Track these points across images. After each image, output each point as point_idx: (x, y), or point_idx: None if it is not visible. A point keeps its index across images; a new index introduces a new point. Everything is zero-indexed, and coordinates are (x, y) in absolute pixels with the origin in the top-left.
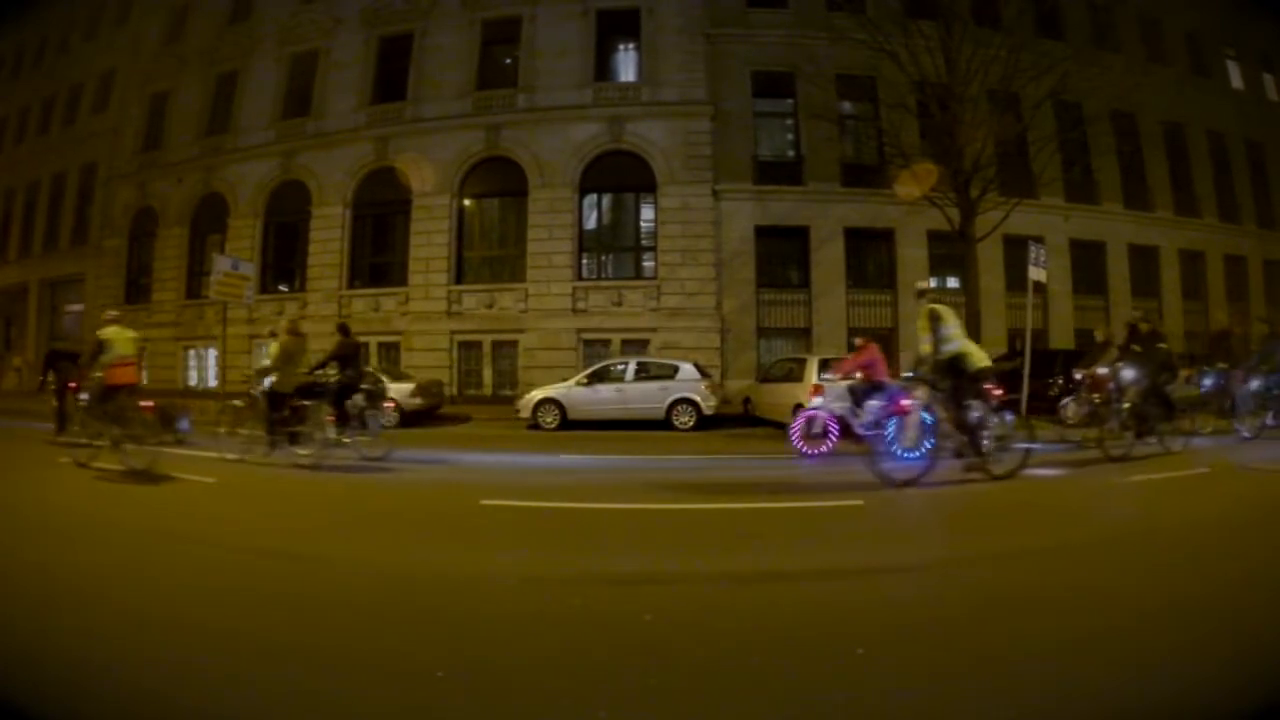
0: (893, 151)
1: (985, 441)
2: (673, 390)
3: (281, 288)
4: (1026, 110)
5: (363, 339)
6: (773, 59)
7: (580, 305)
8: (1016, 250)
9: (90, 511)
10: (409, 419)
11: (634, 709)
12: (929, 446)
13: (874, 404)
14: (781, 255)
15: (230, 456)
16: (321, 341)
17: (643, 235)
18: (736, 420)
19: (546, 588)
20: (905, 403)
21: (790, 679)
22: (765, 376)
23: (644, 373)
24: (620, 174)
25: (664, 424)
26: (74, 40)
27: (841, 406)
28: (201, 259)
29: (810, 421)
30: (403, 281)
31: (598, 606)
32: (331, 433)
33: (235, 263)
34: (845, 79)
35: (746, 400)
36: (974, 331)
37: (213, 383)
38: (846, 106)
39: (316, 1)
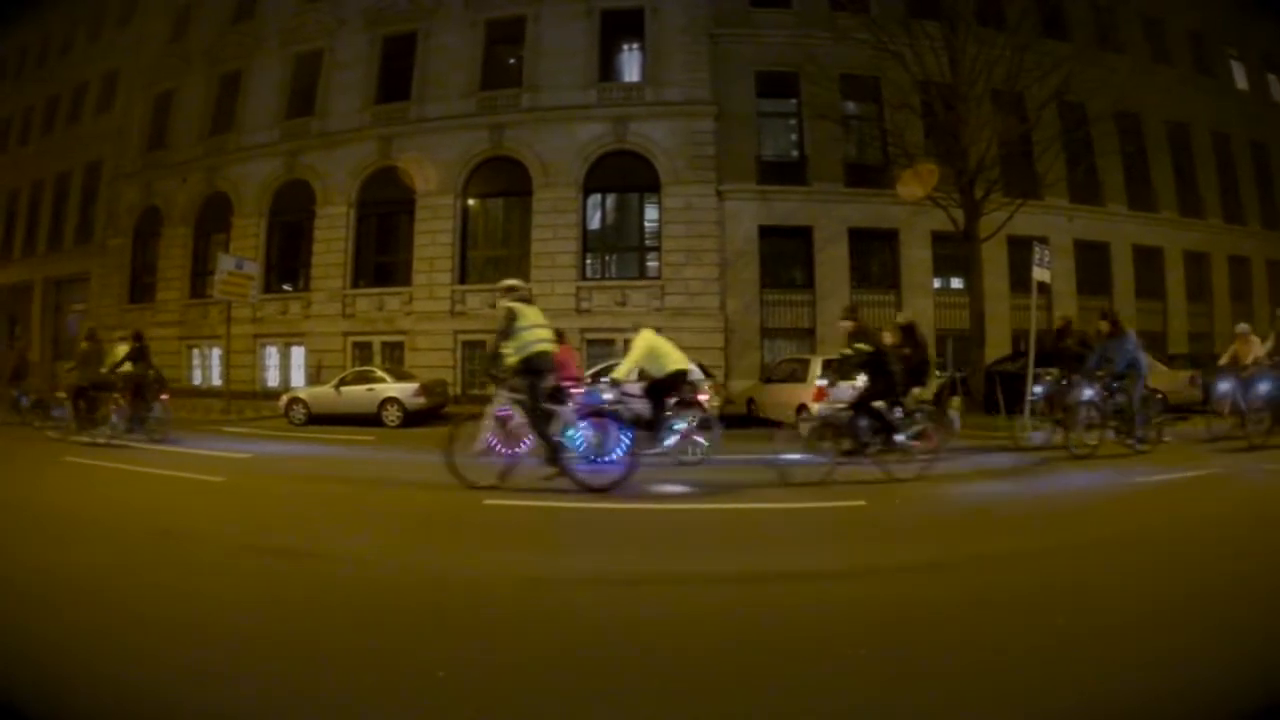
0: (897, 152)
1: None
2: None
3: (285, 287)
4: (1031, 110)
5: (367, 338)
6: (777, 59)
7: (584, 305)
8: (1021, 251)
9: (90, 511)
10: (412, 418)
11: (634, 709)
12: (624, 451)
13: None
14: (785, 255)
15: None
16: (327, 341)
17: (647, 235)
18: (740, 421)
19: (547, 587)
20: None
21: (790, 679)
22: (769, 377)
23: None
24: (624, 174)
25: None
26: (78, 41)
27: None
28: (206, 258)
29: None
30: (407, 281)
31: (598, 606)
32: (115, 419)
33: (240, 262)
34: (849, 79)
35: (750, 401)
36: (978, 332)
37: (217, 382)
38: (850, 106)
39: (320, 1)
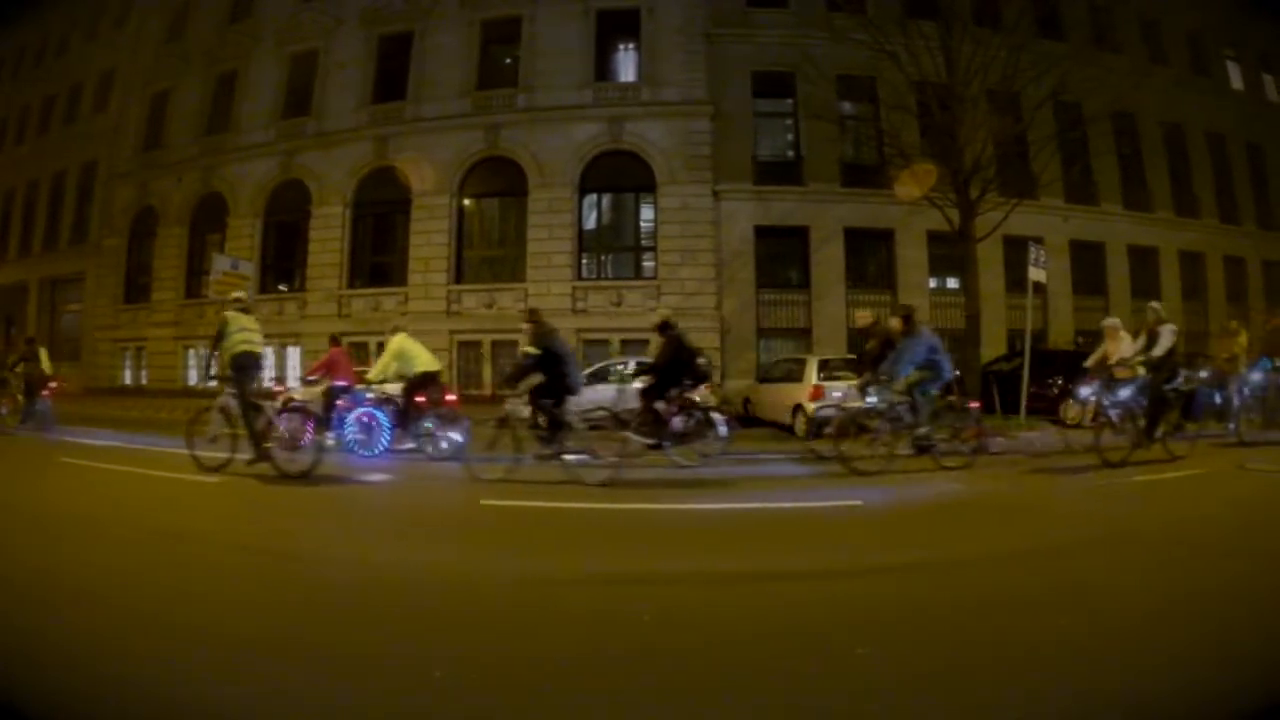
0: (892, 152)
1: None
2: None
3: (281, 287)
4: (1026, 110)
5: (361, 339)
6: (773, 59)
7: (580, 305)
8: (1016, 251)
9: (90, 511)
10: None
11: (633, 709)
12: (385, 445)
13: (341, 404)
14: (781, 255)
15: None
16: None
17: (642, 235)
18: (736, 421)
19: (546, 588)
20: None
21: (790, 679)
22: (765, 377)
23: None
24: (620, 174)
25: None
26: (74, 40)
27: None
28: (201, 258)
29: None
30: (402, 281)
31: (597, 606)
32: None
33: (235, 262)
34: (845, 79)
35: (746, 401)
36: (974, 332)
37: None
38: (846, 107)
39: (316, 1)
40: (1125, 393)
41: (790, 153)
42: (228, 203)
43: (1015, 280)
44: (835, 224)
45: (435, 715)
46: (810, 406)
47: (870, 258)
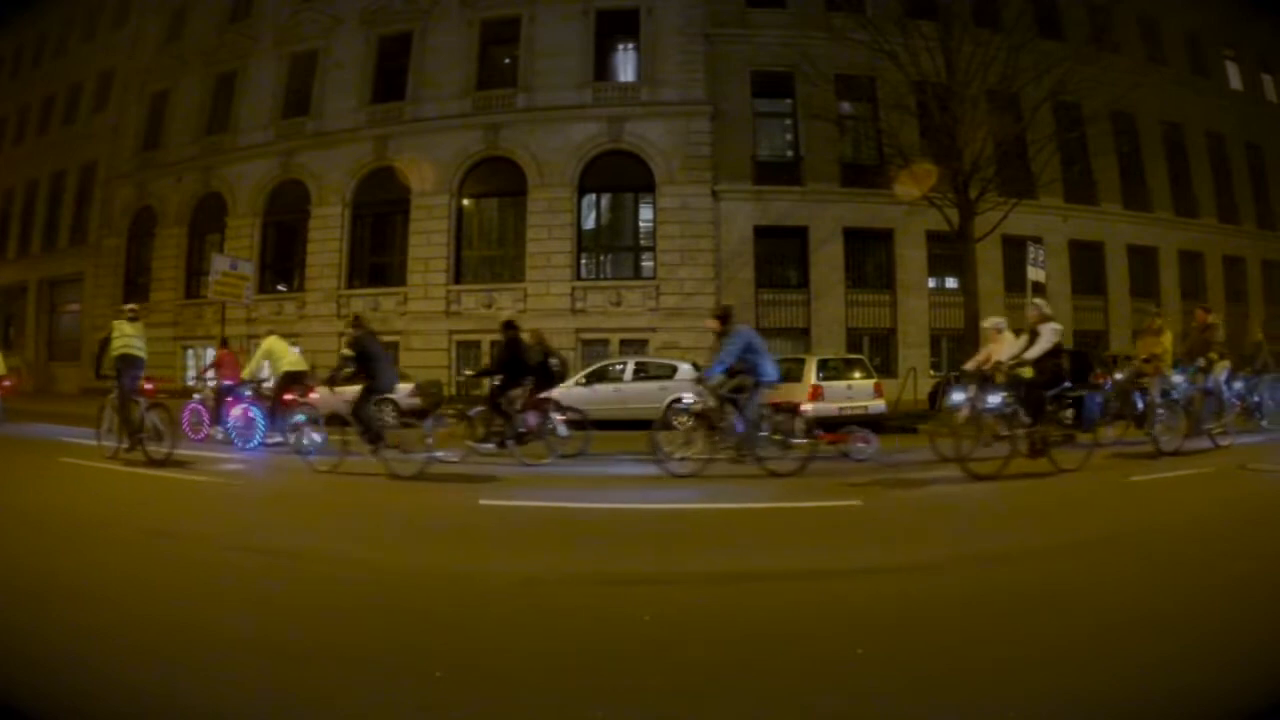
0: (892, 152)
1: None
2: (671, 390)
3: (280, 287)
4: (1026, 110)
5: None
6: (772, 59)
7: (579, 305)
8: (1015, 251)
9: (90, 511)
10: (407, 418)
11: (633, 709)
12: (260, 439)
13: (230, 401)
14: (780, 255)
15: None
16: (322, 341)
17: (642, 235)
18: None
19: (546, 588)
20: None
21: (790, 679)
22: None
23: (642, 373)
24: (619, 174)
25: (662, 424)
26: (73, 40)
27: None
28: (200, 258)
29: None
30: (402, 281)
31: (597, 606)
32: None
33: (234, 262)
34: (844, 79)
35: None
36: (973, 332)
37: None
38: (846, 106)
39: (316, 1)
40: (996, 398)
41: (789, 153)
42: (227, 203)
43: (1014, 280)
44: (834, 224)
45: (435, 715)
46: (810, 407)
47: (869, 258)
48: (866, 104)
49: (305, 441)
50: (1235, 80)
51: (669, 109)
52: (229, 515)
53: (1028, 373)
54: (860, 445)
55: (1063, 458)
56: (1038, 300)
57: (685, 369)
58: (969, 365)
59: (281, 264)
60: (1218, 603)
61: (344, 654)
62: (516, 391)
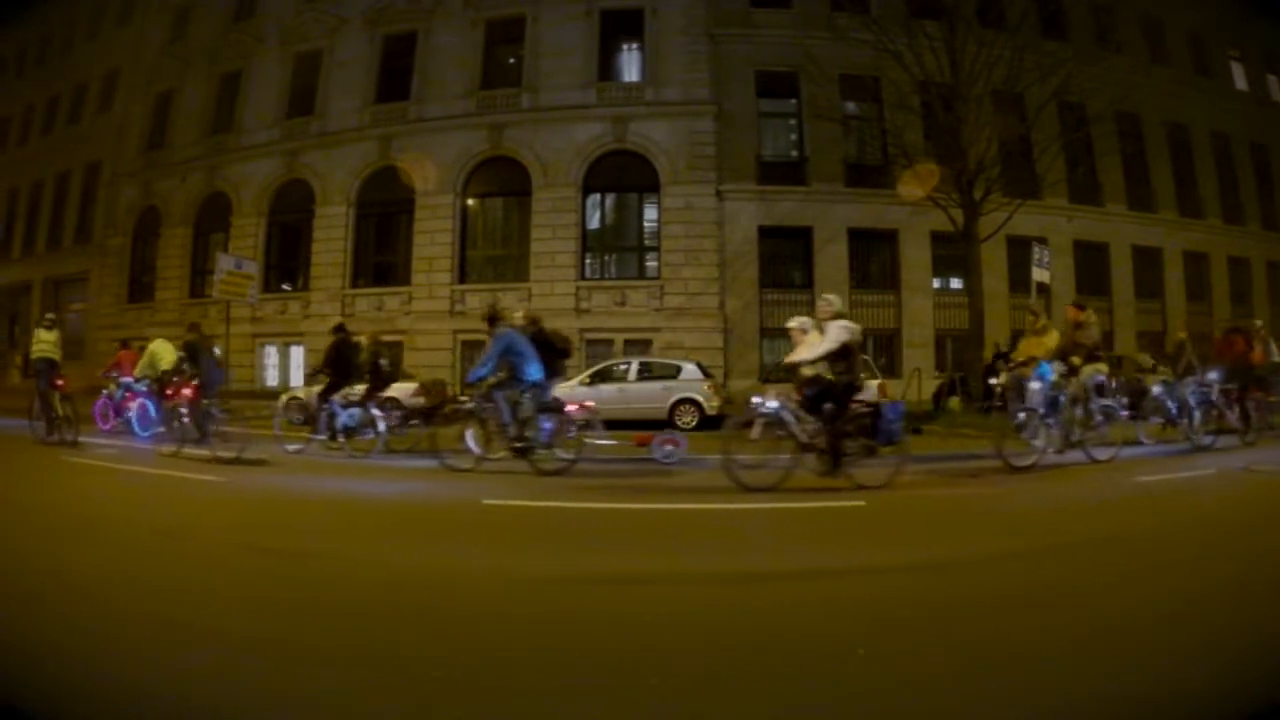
0: (896, 152)
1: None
2: (675, 390)
3: (285, 287)
4: (1030, 111)
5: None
6: (776, 59)
7: (583, 305)
8: (1020, 251)
9: (90, 511)
10: (411, 418)
11: (634, 709)
12: (151, 430)
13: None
14: (785, 255)
15: None
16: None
17: (646, 235)
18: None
19: (546, 587)
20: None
21: (790, 679)
22: (768, 377)
23: (647, 373)
24: (624, 174)
25: (666, 424)
26: (78, 40)
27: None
28: (205, 258)
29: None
30: (406, 281)
31: (598, 606)
32: None
33: (239, 262)
34: (849, 79)
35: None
36: (977, 332)
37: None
38: (850, 107)
39: (320, 1)
40: (773, 404)
41: (794, 153)
42: (231, 202)
43: (1019, 280)
44: (839, 224)
45: (435, 715)
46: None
47: (874, 258)
48: (871, 104)
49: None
50: (1240, 80)
51: (673, 109)
52: (227, 515)
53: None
54: (669, 449)
55: (865, 475)
56: (829, 296)
57: (689, 369)
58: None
59: (286, 263)
60: (1218, 603)
61: (344, 654)
62: (344, 389)
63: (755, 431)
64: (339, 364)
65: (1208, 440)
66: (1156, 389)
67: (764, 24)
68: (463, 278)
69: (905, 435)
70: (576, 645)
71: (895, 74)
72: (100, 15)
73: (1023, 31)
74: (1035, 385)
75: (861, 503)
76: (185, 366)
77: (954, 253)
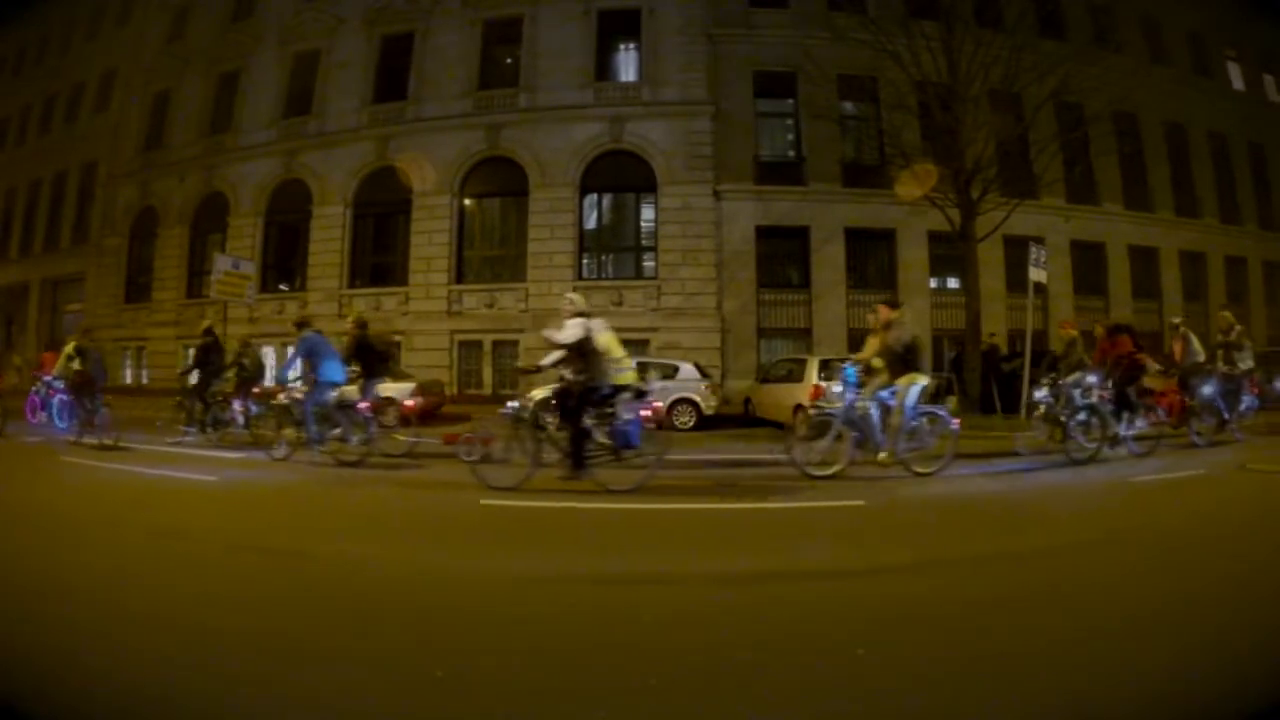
0: (894, 152)
1: None
2: (673, 390)
3: (282, 287)
4: (1028, 110)
5: None
6: (774, 59)
7: None
8: (1017, 251)
9: (90, 511)
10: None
11: (634, 709)
12: (68, 423)
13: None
14: (782, 255)
15: None
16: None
17: (643, 235)
18: (737, 421)
19: (546, 587)
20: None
21: (790, 679)
22: (766, 377)
23: (644, 373)
24: (621, 174)
25: (664, 424)
26: (75, 40)
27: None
28: (202, 258)
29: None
30: (403, 281)
31: (597, 606)
32: None
33: (236, 262)
34: (847, 79)
35: (747, 400)
36: (975, 332)
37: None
38: (848, 107)
39: (318, 1)
40: (515, 404)
41: (791, 153)
42: (229, 202)
43: (1016, 280)
44: (836, 224)
45: (435, 715)
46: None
47: (871, 258)
48: (869, 104)
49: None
50: (1237, 80)
51: (671, 109)
52: (226, 514)
53: (629, 377)
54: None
55: (613, 477)
56: (571, 295)
57: (687, 369)
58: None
59: (283, 263)
60: (1218, 603)
61: (344, 654)
62: (215, 385)
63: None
64: (207, 364)
65: (1092, 447)
66: (1039, 393)
67: (762, 24)
68: (460, 278)
69: (655, 439)
70: (577, 645)
71: (893, 74)
72: (99, 15)
73: (1020, 31)
74: (835, 391)
75: (860, 503)
76: (75, 365)
77: (951, 252)
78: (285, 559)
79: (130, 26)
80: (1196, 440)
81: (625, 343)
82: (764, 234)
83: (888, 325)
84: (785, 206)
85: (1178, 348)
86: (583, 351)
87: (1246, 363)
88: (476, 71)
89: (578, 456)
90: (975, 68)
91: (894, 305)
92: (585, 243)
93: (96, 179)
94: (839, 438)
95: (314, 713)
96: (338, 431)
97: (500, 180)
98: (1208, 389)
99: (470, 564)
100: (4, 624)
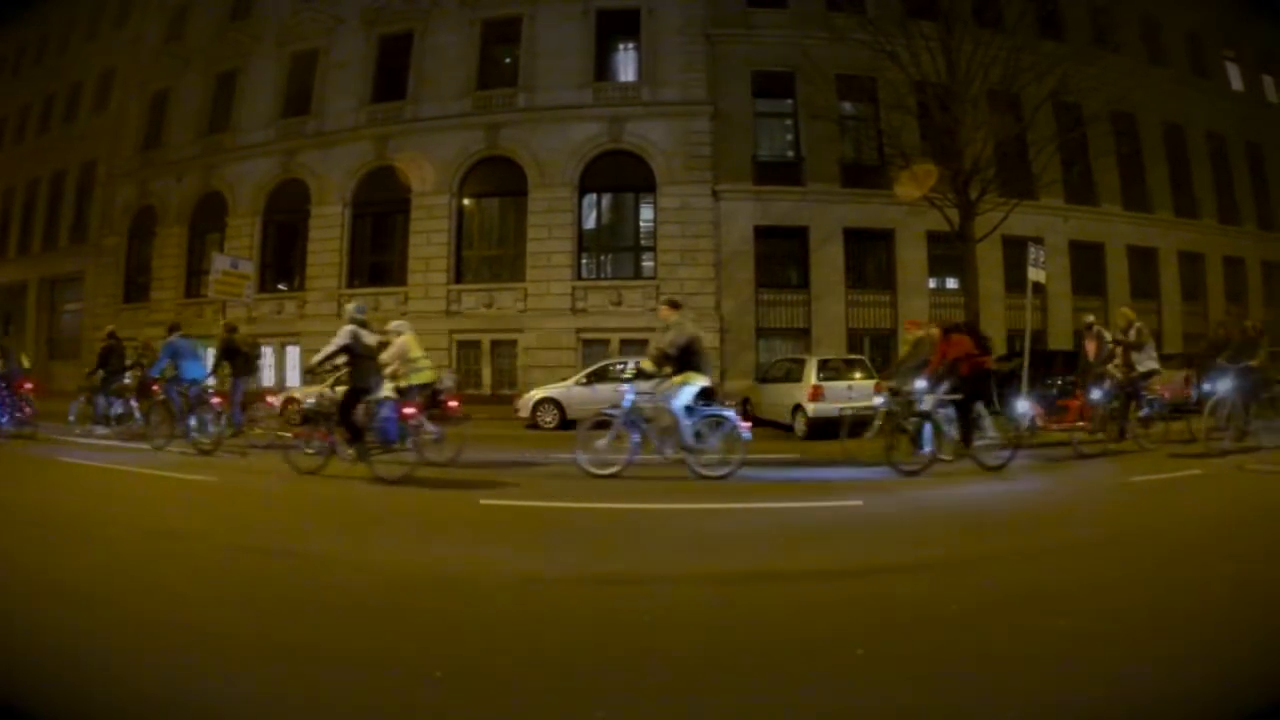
0: (893, 152)
1: None
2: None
3: (281, 286)
4: (1027, 111)
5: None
6: (773, 59)
7: (579, 305)
8: (1016, 251)
9: (90, 511)
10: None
11: (634, 709)
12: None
13: None
14: (781, 256)
15: None
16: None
17: (642, 235)
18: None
19: (546, 588)
20: None
21: (790, 679)
22: (764, 377)
23: (643, 373)
24: (620, 174)
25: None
26: (74, 39)
27: None
28: (201, 258)
29: None
30: (402, 281)
31: (597, 606)
32: None
33: (234, 261)
34: (845, 79)
35: (746, 400)
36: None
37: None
38: (847, 107)
39: (316, 0)
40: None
41: (790, 153)
42: (227, 202)
43: (1015, 280)
44: (835, 224)
45: (435, 715)
46: (810, 407)
47: (870, 258)
48: (868, 104)
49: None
50: (1236, 81)
51: (670, 109)
52: (226, 514)
53: (426, 376)
54: (317, 443)
55: (385, 468)
56: (350, 306)
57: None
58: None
59: (282, 263)
60: (1217, 602)
61: (344, 654)
62: (116, 383)
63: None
64: (108, 364)
65: (925, 455)
66: (879, 399)
67: (760, 24)
68: (459, 278)
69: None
70: (577, 645)
71: (892, 74)
72: (98, 15)
73: (1019, 31)
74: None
75: (859, 502)
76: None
77: (950, 253)
78: (282, 559)
79: (129, 26)
80: (1081, 451)
81: (624, 342)
82: (763, 234)
83: (668, 327)
84: (784, 206)
85: (1091, 347)
86: (352, 357)
87: (1147, 364)
88: (475, 71)
89: (358, 447)
90: (974, 68)
91: (674, 306)
92: (584, 242)
93: (95, 178)
94: (619, 438)
95: (314, 713)
96: (195, 423)
97: (499, 180)
98: (1097, 393)
99: (468, 564)
100: (4, 624)
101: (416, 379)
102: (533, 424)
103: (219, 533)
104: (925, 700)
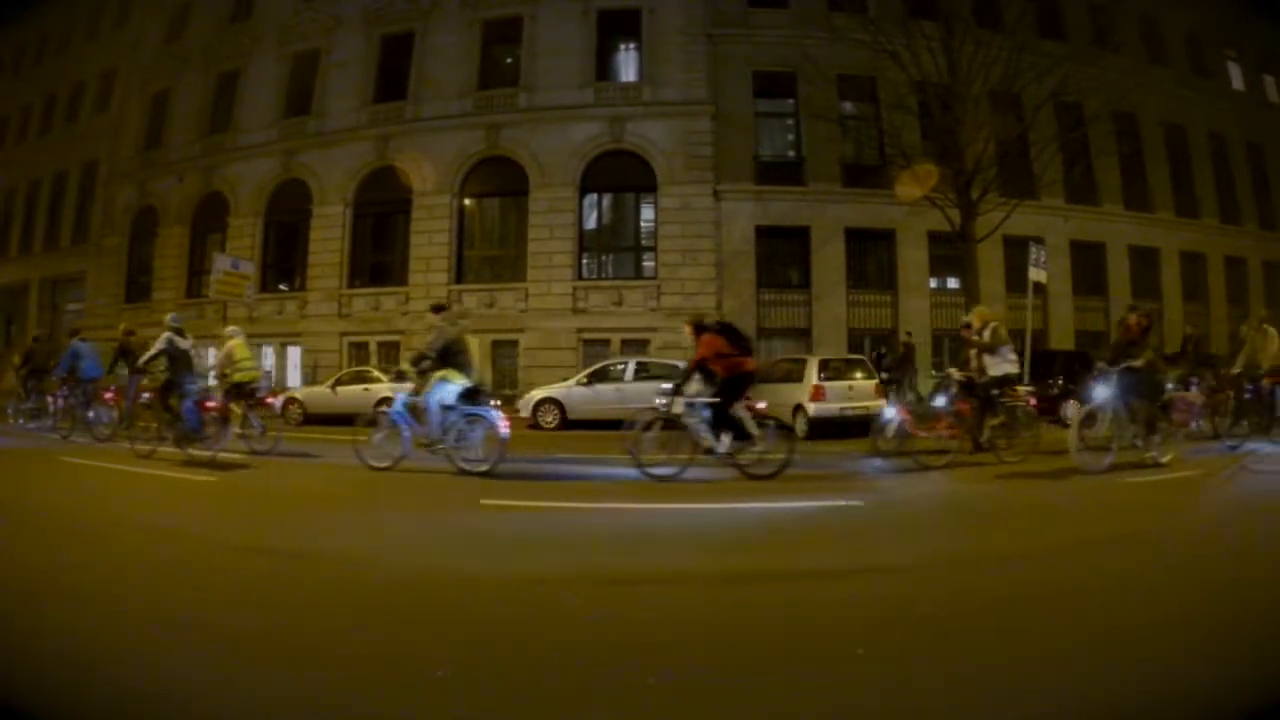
0: (894, 152)
1: None
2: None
3: (281, 287)
4: (1027, 111)
5: (363, 338)
6: (774, 59)
7: (580, 305)
8: (1017, 251)
9: (90, 511)
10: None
11: (634, 709)
12: None
13: None
14: (782, 255)
15: None
16: (323, 341)
17: (643, 235)
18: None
19: (546, 588)
20: None
21: (790, 679)
22: (765, 377)
23: (644, 372)
24: (621, 174)
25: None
26: (75, 39)
27: None
28: (202, 258)
29: None
30: (403, 281)
31: (596, 606)
32: None
33: (235, 262)
34: (846, 79)
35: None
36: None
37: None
38: (848, 107)
39: (317, 0)
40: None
41: (791, 153)
42: (228, 202)
43: (1016, 280)
44: (836, 224)
45: (436, 715)
46: (812, 407)
47: (871, 258)
48: (868, 104)
49: None
50: (1237, 81)
51: (670, 109)
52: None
53: (246, 375)
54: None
55: (198, 454)
56: (168, 316)
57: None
58: None
59: (283, 263)
60: (1217, 602)
61: (345, 654)
62: (35, 383)
63: None
64: (31, 363)
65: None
66: (659, 400)
67: (761, 24)
68: (460, 278)
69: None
70: (578, 645)
71: (893, 74)
72: (98, 15)
73: (1020, 32)
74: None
75: (859, 502)
76: None
77: (951, 253)
78: (282, 559)
79: (129, 26)
80: (922, 463)
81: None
82: (764, 234)
83: (430, 329)
84: (785, 206)
85: (981, 346)
86: (169, 358)
87: (1003, 367)
88: (476, 71)
89: (174, 434)
90: (975, 68)
91: (438, 309)
92: (585, 242)
93: (97, 178)
94: (392, 434)
95: (314, 713)
96: (93, 415)
97: (500, 180)
98: (940, 399)
99: (469, 564)
100: (4, 624)
101: (239, 377)
102: (534, 424)
103: (217, 532)
104: (926, 701)
